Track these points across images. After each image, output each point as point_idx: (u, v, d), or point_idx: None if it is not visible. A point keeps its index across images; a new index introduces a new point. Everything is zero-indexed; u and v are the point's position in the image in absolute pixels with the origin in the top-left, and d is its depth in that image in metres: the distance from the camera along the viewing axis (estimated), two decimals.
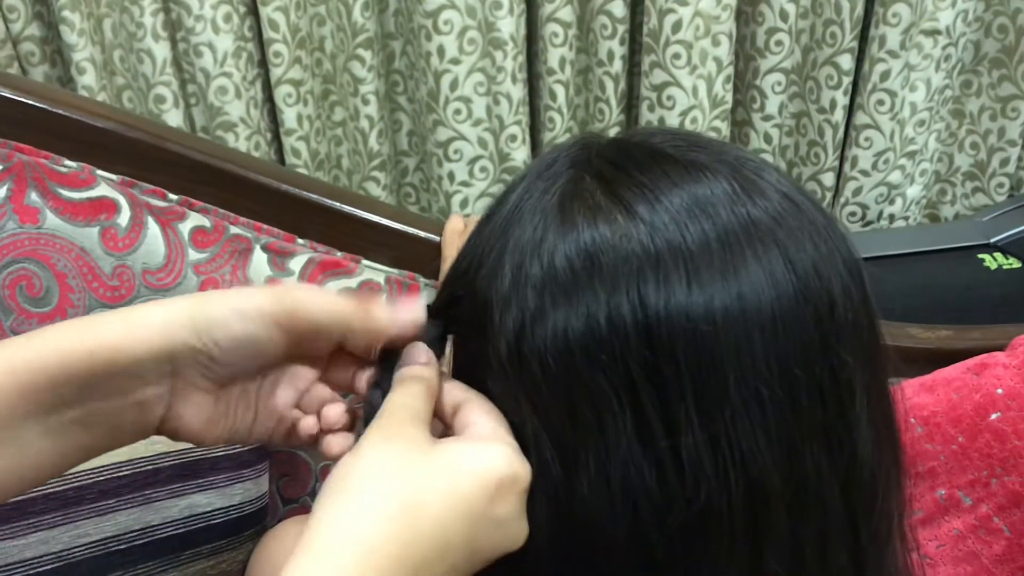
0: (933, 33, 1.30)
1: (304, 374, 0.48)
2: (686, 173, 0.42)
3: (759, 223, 0.40)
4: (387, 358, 0.47)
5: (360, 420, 0.46)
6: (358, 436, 0.43)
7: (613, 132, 1.37)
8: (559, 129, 1.36)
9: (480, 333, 0.43)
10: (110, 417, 0.43)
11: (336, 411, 0.47)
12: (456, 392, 0.44)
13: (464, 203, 1.39)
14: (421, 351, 0.45)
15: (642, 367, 0.39)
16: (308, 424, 0.48)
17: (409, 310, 0.46)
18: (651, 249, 0.39)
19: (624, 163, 0.43)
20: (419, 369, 0.45)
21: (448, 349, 0.48)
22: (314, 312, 0.45)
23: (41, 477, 0.43)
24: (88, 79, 1.21)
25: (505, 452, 0.41)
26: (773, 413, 0.39)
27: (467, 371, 0.46)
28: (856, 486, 0.42)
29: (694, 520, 0.40)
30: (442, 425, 0.45)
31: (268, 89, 1.29)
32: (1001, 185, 1.44)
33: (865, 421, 0.42)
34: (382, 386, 0.45)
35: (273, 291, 0.45)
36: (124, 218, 0.74)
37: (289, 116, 1.28)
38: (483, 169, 1.36)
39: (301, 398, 0.48)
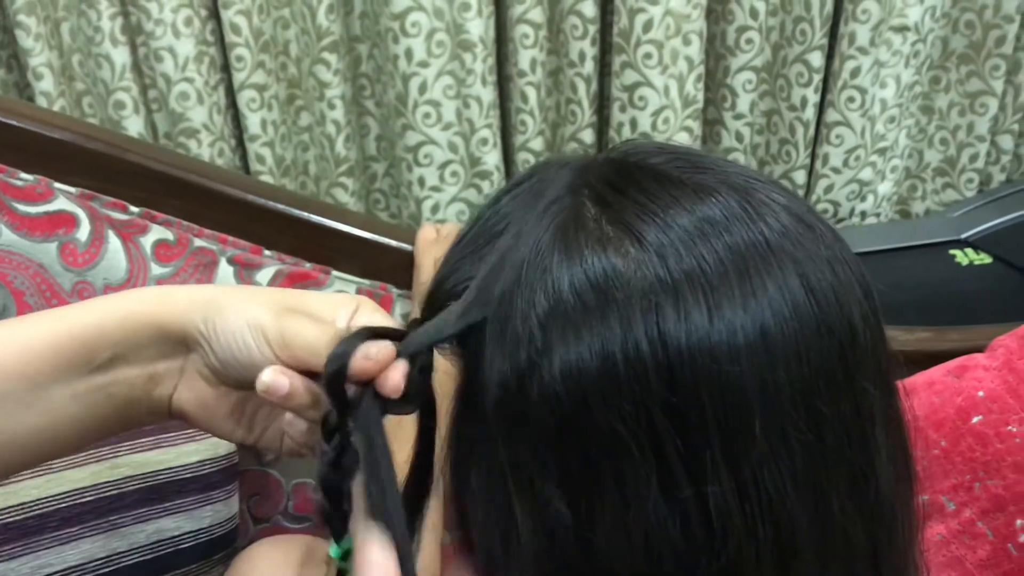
0: (902, 29, 1.30)
1: None
2: (695, 197, 0.39)
3: (776, 248, 0.38)
4: (336, 396, 0.41)
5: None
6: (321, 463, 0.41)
7: (586, 133, 1.36)
8: (531, 132, 1.35)
9: (476, 377, 0.40)
10: (131, 388, 0.46)
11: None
12: None
13: (435, 208, 1.37)
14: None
15: (665, 412, 0.36)
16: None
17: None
18: (668, 280, 0.37)
19: (627, 188, 0.40)
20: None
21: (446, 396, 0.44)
22: (296, 343, 0.44)
23: (62, 446, 0.46)
24: (46, 84, 1.17)
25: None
26: (800, 454, 0.37)
27: (461, 418, 0.42)
28: (878, 521, 0.41)
29: (721, 572, 0.37)
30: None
31: (231, 94, 1.26)
32: (971, 180, 1.44)
33: (885, 451, 0.40)
34: (337, 435, 0.41)
35: (280, 312, 0.45)
36: (83, 232, 0.71)
37: (253, 121, 1.26)
38: (454, 173, 1.35)
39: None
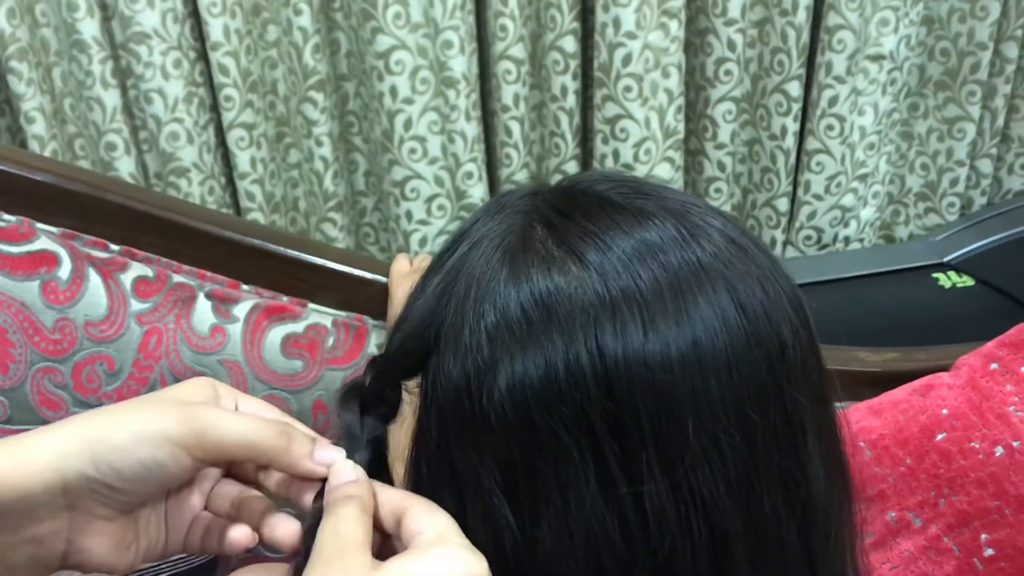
0: (878, 58, 1.33)
1: (207, 472, 0.46)
2: (634, 221, 0.42)
3: (708, 268, 0.41)
4: None
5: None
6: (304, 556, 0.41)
7: (570, 166, 1.38)
8: (516, 165, 1.37)
9: (432, 388, 0.43)
10: (1, 554, 0.40)
11: (290, 532, 0.44)
12: (395, 500, 0.42)
13: (423, 242, 1.39)
14: (348, 468, 0.43)
15: (602, 417, 0.39)
16: (237, 535, 0.45)
17: (331, 452, 0.44)
18: (606, 298, 0.39)
19: (573, 212, 0.43)
20: (349, 488, 0.42)
21: (410, 407, 0.47)
22: (227, 439, 0.42)
23: None
24: (38, 128, 1.20)
25: (456, 555, 0.38)
26: (732, 458, 0.40)
27: (423, 432, 0.45)
28: (812, 524, 0.43)
29: (658, 570, 0.40)
30: (381, 537, 0.43)
31: (221, 133, 1.29)
32: (952, 205, 1.46)
33: (817, 459, 0.42)
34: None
35: (182, 413, 0.42)
36: (65, 271, 0.73)
37: (242, 160, 1.28)
38: (440, 207, 1.37)
39: (208, 499, 0.46)
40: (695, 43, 1.36)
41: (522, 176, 1.39)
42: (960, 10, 1.34)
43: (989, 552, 0.67)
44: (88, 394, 0.74)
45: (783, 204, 1.43)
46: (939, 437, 0.70)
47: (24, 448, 0.41)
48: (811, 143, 1.38)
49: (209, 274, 0.76)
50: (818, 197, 1.41)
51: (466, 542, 0.40)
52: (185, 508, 0.45)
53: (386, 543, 0.43)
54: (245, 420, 0.43)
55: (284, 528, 0.44)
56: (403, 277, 0.76)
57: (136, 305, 0.74)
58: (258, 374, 0.76)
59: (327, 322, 0.78)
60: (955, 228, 1.45)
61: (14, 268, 0.72)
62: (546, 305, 0.40)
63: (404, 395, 0.47)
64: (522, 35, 1.30)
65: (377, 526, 0.42)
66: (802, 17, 1.29)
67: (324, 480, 0.43)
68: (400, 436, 0.48)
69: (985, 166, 1.46)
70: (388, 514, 0.42)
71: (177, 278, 0.76)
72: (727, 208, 1.46)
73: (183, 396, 0.45)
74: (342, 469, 0.43)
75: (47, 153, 1.21)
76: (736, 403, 0.39)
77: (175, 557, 0.70)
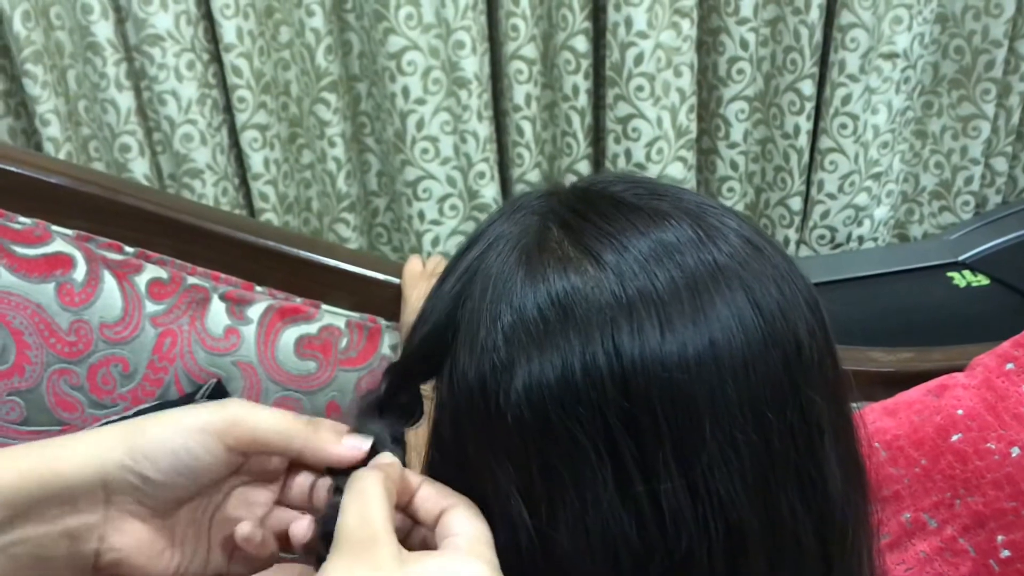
0: (891, 56, 1.32)
1: (259, 498, 0.46)
2: (651, 221, 0.42)
3: (725, 268, 0.41)
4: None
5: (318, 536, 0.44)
6: (318, 550, 0.42)
7: (582, 165, 1.38)
8: (528, 165, 1.37)
9: (449, 389, 0.43)
10: (39, 548, 0.41)
11: (302, 527, 0.45)
12: (441, 494, 0.43)
13: (435, 242, 1.39)
14: (386, 453, 0.44)
15: (619, 417, 0.39)
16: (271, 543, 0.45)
17: (358, 438, 0.44)
18: (623, 298, 0.40)
19: (589, 213, 0.43)
20: (382, 459, 0.43)
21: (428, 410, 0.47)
22: (260, 426, 0.43)
23: None
24: (53, 130, 1.21)
25: (479, 571, 0.39)
26: (749, 457, 0.39)
27: (439, 433, 0.45)
28: (829, 524, 0.43)
29: (675, 569, 0.40)
30: (411, 522, 0.43)
31: (234, 135, 1.30)
32: (967, 203, 1.45)
33: (834, 458, 0.42)
34: (341, 489, 0.43)
35: (214, 404, 0.44)
36: (80, 273, 0.74)
37: (256, 161, 1.29)
38: (453, 207, 1.37)
39: (260, 524, 0.46)
40: (707, 42, 1.36)
41: (534, 176, 1.39)
42: (974, 7, 1.33)
43: (1005, 553, 0.67)
44: (103, 395, 0.75)
45: (796, 203, 1.42)
46: (954, 438, 0.70)
47: (67, 442, 0.43)
48: (824, 142, 1.38)
49: (223, 275, 0.77)
50: (831, 196, 1.41)
51: (495, 560, 0.40)
52: (230, 528, 0.45)
53: (415, 531, 0.43)
54: (274, 411, 0.44)
55: (297, 524, 0.45)
56: (416, 279, 0.76)
57: (151, 307, 0.75)
58: (272, 375, 0.76)
59: (340, 323, 0.79)
60: (970, 227, 1.44)
61: (30, 270, 0.73)
62: (563, 305, 0.40)
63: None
64: (534, 35, 1.30)
65: (415, 515, 0.43)
66: (815, 15, 1.28)
67: (350, 469, 0.43)
68: (416, 439, 0.49)
69: (1000, 164, 1.45)
70: (432, 507, 0.42)
71: (191, 280, 0.76)
72: (740, 207, 1.46)
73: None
74: (379, 454, 0.44)
75: (62, 155, 1.22)
76: (753, 403, 0.39)
77: None
